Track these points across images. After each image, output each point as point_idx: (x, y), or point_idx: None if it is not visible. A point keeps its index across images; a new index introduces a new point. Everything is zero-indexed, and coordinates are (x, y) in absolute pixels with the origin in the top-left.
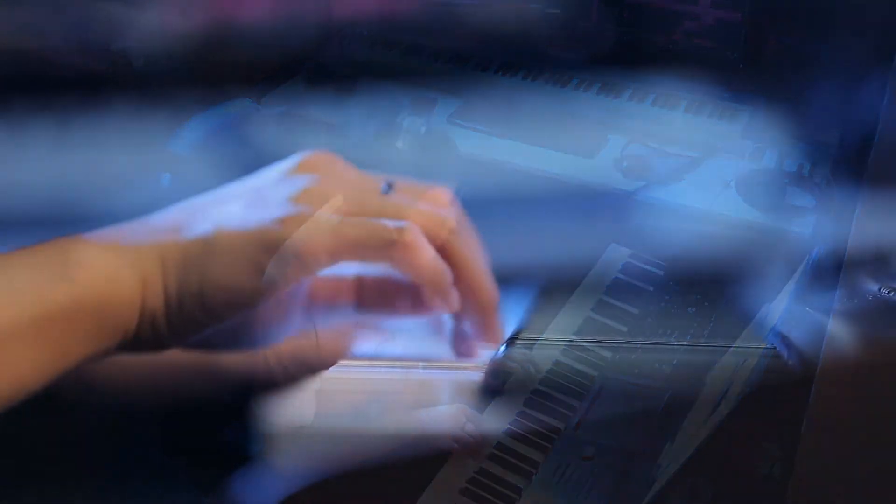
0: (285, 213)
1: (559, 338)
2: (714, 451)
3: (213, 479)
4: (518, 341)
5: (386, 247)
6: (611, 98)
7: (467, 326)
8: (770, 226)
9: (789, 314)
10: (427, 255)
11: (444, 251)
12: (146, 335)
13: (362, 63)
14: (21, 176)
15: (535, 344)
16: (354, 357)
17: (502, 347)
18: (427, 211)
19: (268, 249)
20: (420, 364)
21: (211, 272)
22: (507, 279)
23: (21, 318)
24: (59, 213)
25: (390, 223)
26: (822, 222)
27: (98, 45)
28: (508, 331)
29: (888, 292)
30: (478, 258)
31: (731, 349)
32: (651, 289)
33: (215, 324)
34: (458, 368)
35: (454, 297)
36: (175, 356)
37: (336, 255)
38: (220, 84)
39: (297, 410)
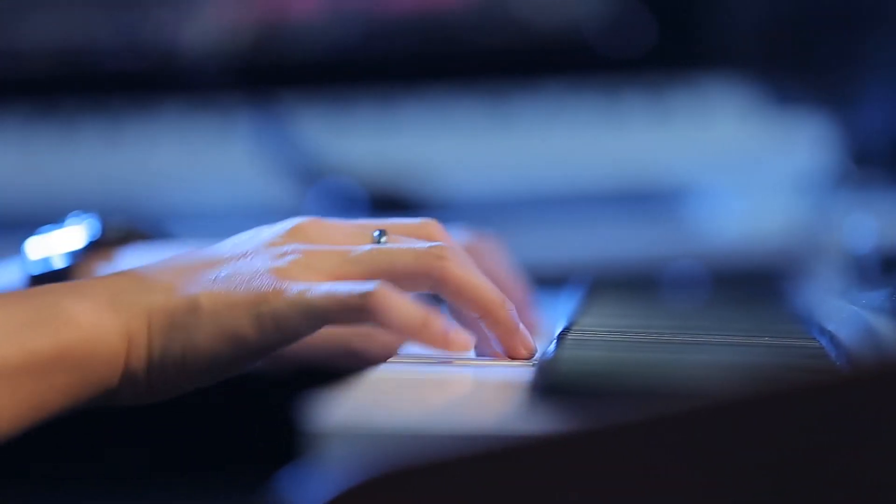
0: (269, 285)
1: (606, 334)
2: None
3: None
4: (568, 338)
5: (356, 312)
6: (659, 100)
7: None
8: (818, 224)
9: (837, 312)
10: (401, 313)
11: (439, 282)
12: (124, 392)
13: None
14: (72, 176)
15: (583, 341)
16: (408, 352)
17: (552, 345)
18: (413, 250)
19: (250, 321)
20: (471, 360)
21: (194, 339)
22: (557, 277)
23: (2, 364)
24: (109, 210)
25: (357, 287)
26: (870, 220)
27: (150, 46)
28: (558, 327)
29: None
30: (473, 278)
31: (778, 347)
32: (698, 285)
33: (194, 387)
34: (509, 365)
35: (450, 339)
36: None
37: (312, 325)
38: (270, 88)
39: (347, 408)
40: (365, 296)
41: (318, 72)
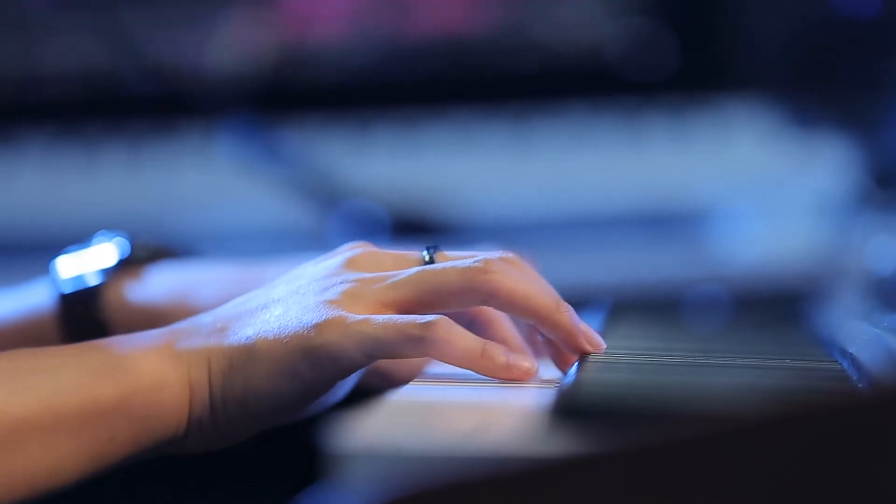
0: (321, 317)
1: (627, 356)
2: None
3: (280, 499)
4: (589, 360)
5: (416, 343)
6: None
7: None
8: (840, 246)
9: (859, 335)
10: (458, 345)
11: (489, 295)
12: (193, 439)
13: None
14: (94, 199)
15: (604, 363)
16: (431, 373)
17: (574, 367)
18: (457, 268)
19: (304, 356)
20: (492, 382)
21: (253, 379)
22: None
23: (65, 412)
24: (131, 233)
25: (416, 318)
26: (893, 242)
27: (171, 70)
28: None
29: None
30: (523, 285)
31: (800, 369)
32: (720, 307)
33: (263, 427)
34: (531, 387)
35: (511, 366)
36: None
37: (370, 356)
38: (292, 110)
39: (369, 430)
40: (425, 327)
41: (340, 94)
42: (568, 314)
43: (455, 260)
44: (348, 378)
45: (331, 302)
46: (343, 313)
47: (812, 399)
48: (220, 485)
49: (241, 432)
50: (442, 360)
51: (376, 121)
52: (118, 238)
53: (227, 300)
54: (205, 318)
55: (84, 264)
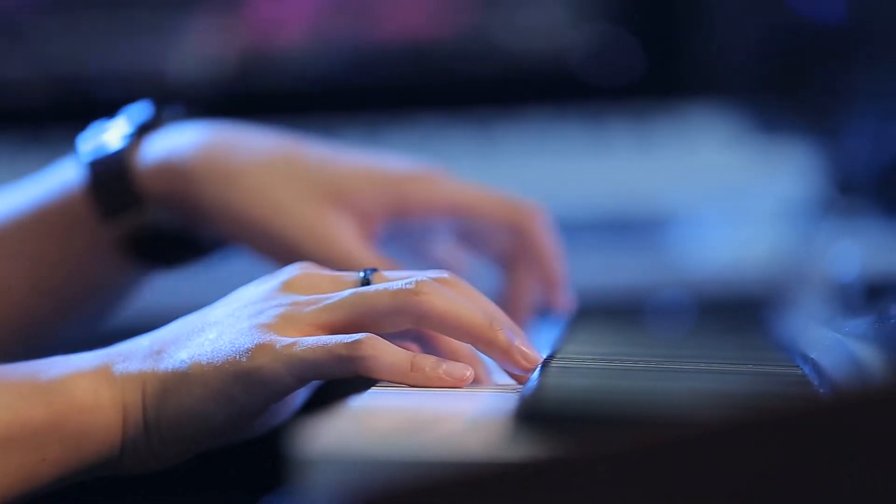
0: (253, 342)
1: (590, 361)
2: None
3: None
4: (552, 365)
5: (344, 362)
6: (645, 128)
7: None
8: (803, 251)
9: (820, 340)
10: (386, 361)
11: (420, 317)
12: (128, 461)
13: None
14: None
15: (568, 368)
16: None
17: (537, 371)
18: (389, 290)
19: (237, 381)
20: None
21: (186, 403)
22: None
23: None
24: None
25: (343, 338)
26: (855, 248)
27: (138, 75)
28: (542, 355)
29: None
30: (453, 306)
31: (762, 374)
32: (682, 313)
33: (199, 450)
34: (494, 391)
35: (442, 376)
36: None
37: (301, 378)
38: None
39: (331, 435)
40: (351, 346)
41: (303, 100)
42: (502, 333)
43: (390, 281)
44: (291, 398)
45: (264, 326)
46: (274, 337)
47: (774, 404)
48: (184, 491)
49: (176, 455)
50: (372, 377)
51: (339, 127)
52: (142, 104)
53: (257, 162)
54: (142, 341)
55: (110, 133)
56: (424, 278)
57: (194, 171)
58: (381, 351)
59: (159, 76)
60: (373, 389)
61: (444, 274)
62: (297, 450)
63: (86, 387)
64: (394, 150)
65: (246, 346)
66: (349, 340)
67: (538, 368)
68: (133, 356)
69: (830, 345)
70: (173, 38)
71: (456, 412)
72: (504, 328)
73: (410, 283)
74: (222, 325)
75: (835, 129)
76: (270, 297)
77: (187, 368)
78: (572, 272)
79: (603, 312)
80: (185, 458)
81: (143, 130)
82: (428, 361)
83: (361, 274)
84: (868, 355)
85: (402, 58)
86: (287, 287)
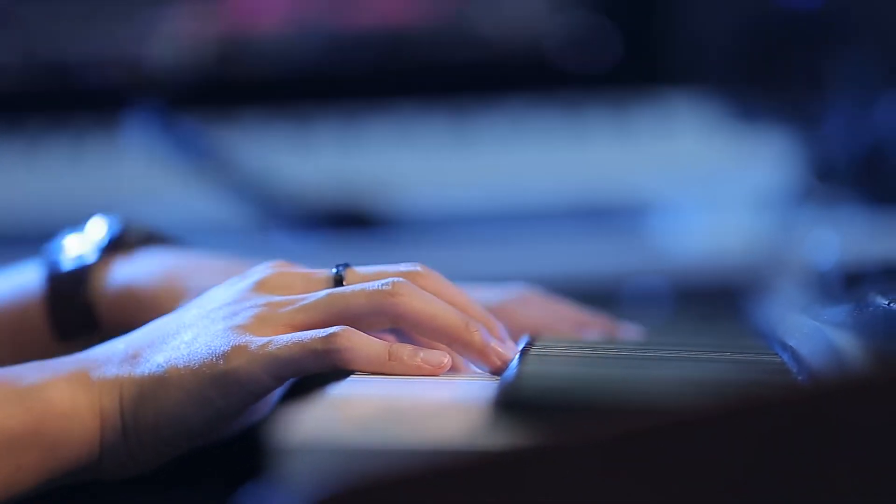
0: (229, 344)
1: (568, 349)
2: None
3: (221, 494)
4: (530, 353)
5: (320, 356)
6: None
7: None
8: (781, 239)
9: (799, 328)
10: (363, 352)
11: (396, 317)
12: (108, 466)
13: None
14: (36, 191)
15: (546, 356)
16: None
17: (516, 359)
18: (365, 291)
19: (213, 382)
20: (436, 376)
21: (164, 407)
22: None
23: None
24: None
25: (318, 332)
26: (833, 236)
27: (115, 62)
28: (520, 343)
29: None
30: (429, 307)
31: (740, 362)
32: (661, 300)
33: (177, 452)
34: (472, 379)
35: (421, 364)
36: None
37: (278, 377)
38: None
39: (310, 424)
40: (327, 339)
41: (281, 87)
42: (477, 334)
43: (364, 279)
44: (268, 397)
45: (239, 327)
46: (249, 338)
47: (752, 392)
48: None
49: (155, 458)
50: (350, 369)
51: (316, 114)
52: (110, 220)
53: (216, 284)
54: (118, 345)
55: (75, 246)
56: (399, 279)
57: (155, 299)
58: (357, 342)
59: (137, 62)
60: (351, 378)
61: (417, 267)
62: (276, 439)
63: (63, 392)
64: (371, 138)
65: (222, 349)
66: (324, 334)
67: (517, 356)
68: (109, 361)
69: (809, 332)
70: (151, 25)
71: (435, 400)
72: (479, 328)
73: (387, 284)
74: (197, 327)
75: (813, 117)
76: (244, 297)
77: (164, 372)
78: (550, 259)
79: (580, 300)
80: (163, 461)
81: (108, 250)
82: (405, 350)
83: (334, 270)
84: (846, 343)
85: (380, 45)
86: (260, 287)
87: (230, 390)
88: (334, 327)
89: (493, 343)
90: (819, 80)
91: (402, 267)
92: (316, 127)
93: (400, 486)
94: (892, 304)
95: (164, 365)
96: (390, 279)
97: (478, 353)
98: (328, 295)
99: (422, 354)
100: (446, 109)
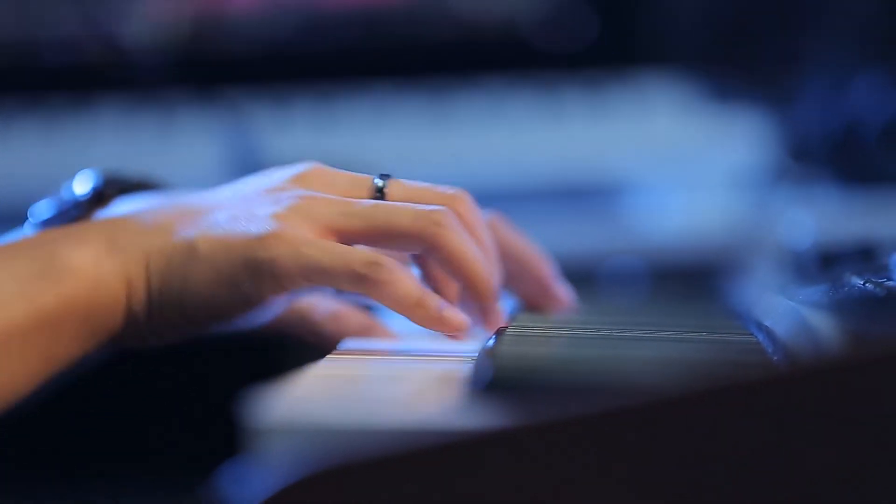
0: (267, 230)
1: (544, 329)
2: None
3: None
4: (507, 333)
5: (358, 280)
6: (598, 96)
7: (467, 307)
8: (756, 219)
9: (774, 308)
10: (399, 289)
11: (433, 246)
12: (129, 335)
13: None
14: (8, 172)
15: (522, 336)
16: (349, 346)
17: (491, 339)
18: (413, 210)
19: (246, 266)
20: (411, 355)
21: (191, 281)
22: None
23: (10, 326)
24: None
25: (365, 256)
26: (808, 216)
27: (88, 41)
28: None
29: (872, 286)
30: (466, 248)
31: (716, 342)
32: (636, 280)
33: (197, 332)
34: (446, 359)
35: (444, 318)
36: None
37: (310, 280)
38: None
39: (287, 403)
40: (372, 265)
41: (256, 67)
42: (494, 291)
43: (408, 195)
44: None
45: (278, 216)
46: (291, 230)
47: (728, 372)
48: (140, 459)
49: (175, 334)
50: (378, 302)
51: (293, 94)
52: (92, 175)
53: None
54: (144, 215)
55: (57, 205)
56: (445, 210)
57: None
58: (398, 278)
59: (111, 41)
60: (328, 357)
61: (459, 192)
62: (252, 418)
63: (90, 261)
64: (347, 118)
65: (259, 234)
66: (370, 260)
67: (493, 336)
68: (136, 231)
69: (784, 312)
70: (125, 3)
71: (412, 380)
72: (498, 288)
73: (436, 211)
74: (233, 207)
75: (788, 97)
76: (284, 187)
77: (195, 246)
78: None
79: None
80: (182, 339)
81: (88, 204)
82: (434, 301)
83: (378, 179)
84: (821, 323)
85: (356, 24)
86: (301, 180)
87: (261, 278)
88: (382, 257)
89: (500, 309)
90: (794, 60)
91: (446, 189)
92: (292, 107)
93: (376, 466)
94: (867, 284)
95: (196, 240)
96: (437, 207)
97: (485, 308)
98: (375, 206)
99: (447, 311)
100: (422, 89)
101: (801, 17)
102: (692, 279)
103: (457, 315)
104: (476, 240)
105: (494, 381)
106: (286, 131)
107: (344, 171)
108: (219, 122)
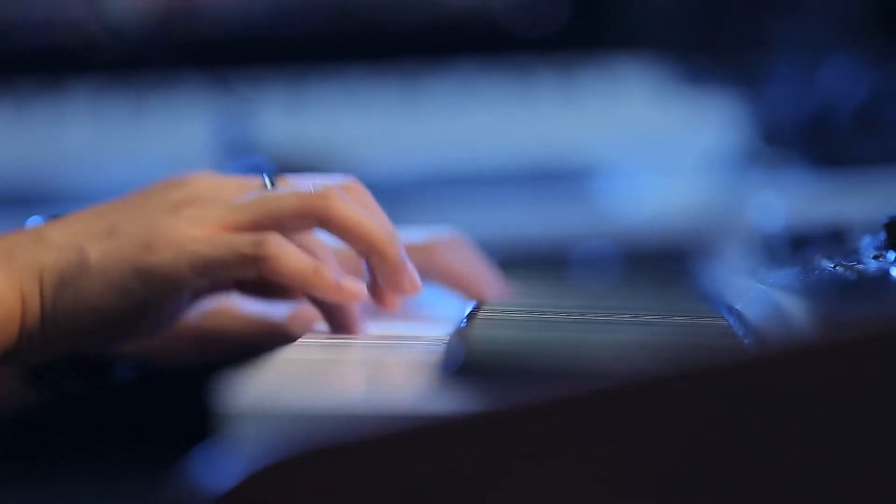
0: (156, 236)
1: (515, 313)
2: None
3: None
4: (478, 317)
5: (248, 262)
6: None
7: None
8: (727, 203)
9: (745, 291)
10: (291, 263)
11: (325, 220)
12: (23, 350)
13: None
14: None
15: (493, 320)
16: (315, 332)
17: (463, 322)
18: (297, 193)
19: (136, 273)
20: (382, 340)
21: (84, 294)
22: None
23: None
24: (19, 192)
25: (249, 237)
26: (779, 199)
27: (58, 24)
28: (467, 307)
29: (843, 269)
30: (358, 215)
31: (687, 326)
32: (608, 264)
33: (93, 343)
34: (417, 343)
35: (342, 288)
36: None
37: (202, 275)
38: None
39: (257, 388)
40: (256, 244)
41: (227, 50)
42: (399, 250)
43: (295, 185)
44: (184, 300)
45: (166, 221)
46: (176, 232)
47: (698, 355)
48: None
49: (70, 347)
50: (274, 278)
51: (265, 77)
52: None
53: None
54: (40, 229)
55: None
56: (332, 184)
57: None
58: (286, 252)
59: (82, 25)
60: (299, 342)
61: (349, 180)
62: (223, 403)
63: None
64: (319, 102)
65: (147, 240)
66: (254, 239)
67: (464, 320)
68: (31, 244)
69: (755, 296)
70: None
71: (383, 365)
72: (401, 247)
73: (318, 187)
74: (125, 217)
75: (759, 81)
76: (174, 194)
77: (86, 259)
78: (497, 223)
79: (528, 263)
80: (80, 351)
81: None
82: (330, 270)
83: (265, 178)
84: (792, 306)
85: (328, 8)
86: (189, 185)
87: (153, 283)
88: (265, 234)
89: (410, 266)
90: (765, 44)
91: (335, 178)
92: (264, 90)
93: (348, 451)
94: (837, 268)
95: (87, 252)
96: (322, 183)
97: (393, 269)
98: (261, 196)
99: (343, 279)
100: (394, 73)
101: (772, 1)
102: (664, 262)
103: (354, 283)
104: (369, 211)
105: (465, 364)
106: (259, 115)
107: (232, 176)
108: (190, 105)
